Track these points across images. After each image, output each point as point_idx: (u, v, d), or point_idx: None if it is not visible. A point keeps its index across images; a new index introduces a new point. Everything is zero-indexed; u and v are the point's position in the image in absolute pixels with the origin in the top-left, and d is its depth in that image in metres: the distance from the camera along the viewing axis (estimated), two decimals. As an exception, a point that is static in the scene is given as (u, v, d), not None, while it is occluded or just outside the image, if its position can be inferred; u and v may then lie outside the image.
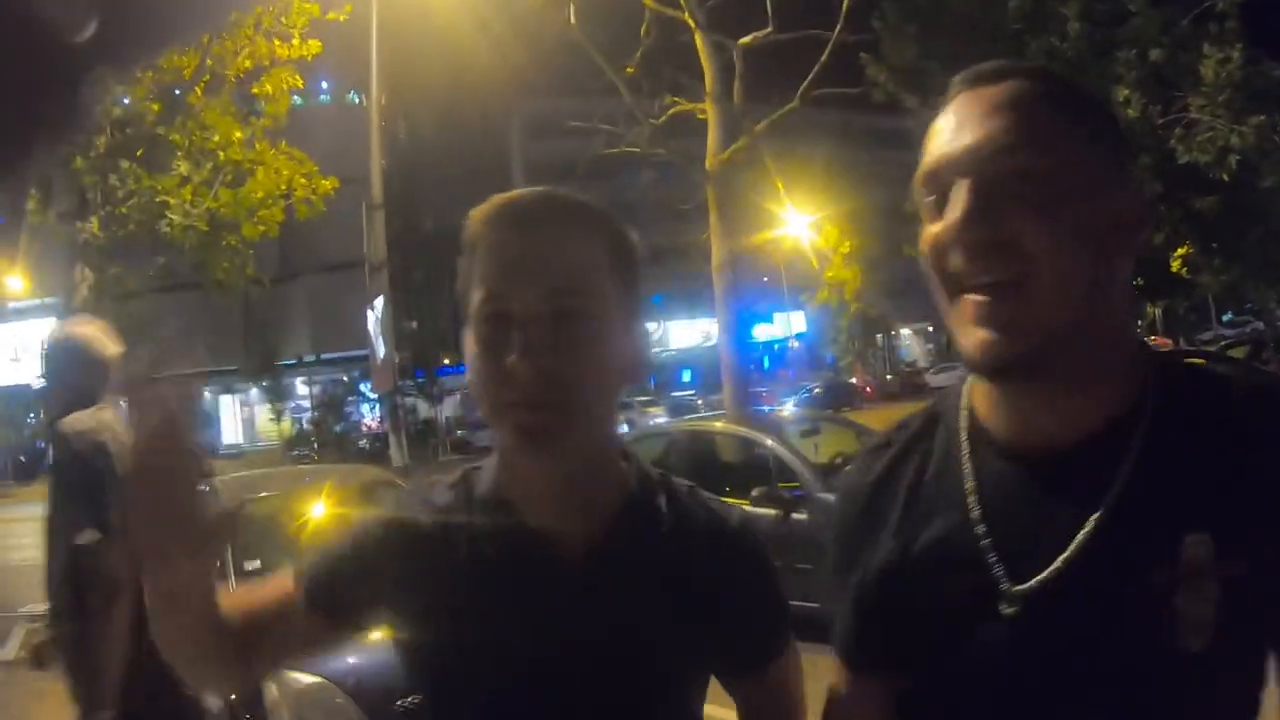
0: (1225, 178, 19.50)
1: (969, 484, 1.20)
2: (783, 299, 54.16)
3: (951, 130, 1.13)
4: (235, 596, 1.39)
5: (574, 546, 1.31)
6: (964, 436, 1.24)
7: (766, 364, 64.47)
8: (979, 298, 1.08)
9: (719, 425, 10.78)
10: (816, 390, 49.05)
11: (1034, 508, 1.14)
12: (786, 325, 64.08)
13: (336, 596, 1.37)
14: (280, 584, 1.40)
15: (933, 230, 1.13)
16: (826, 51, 15.18)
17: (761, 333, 59.79)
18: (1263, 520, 1.04)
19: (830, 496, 8.22)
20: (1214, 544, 1.04)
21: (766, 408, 23.56)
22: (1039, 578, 1.11)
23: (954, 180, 1.10)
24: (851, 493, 1.37)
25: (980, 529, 1.16)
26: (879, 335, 65.77)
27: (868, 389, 52.63)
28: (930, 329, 70.99)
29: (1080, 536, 1.09)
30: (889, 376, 59.73)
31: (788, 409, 27.15)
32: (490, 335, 1.25)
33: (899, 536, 1.25)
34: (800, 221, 24.68)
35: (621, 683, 1.31)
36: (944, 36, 22.03)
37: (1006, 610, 1.12)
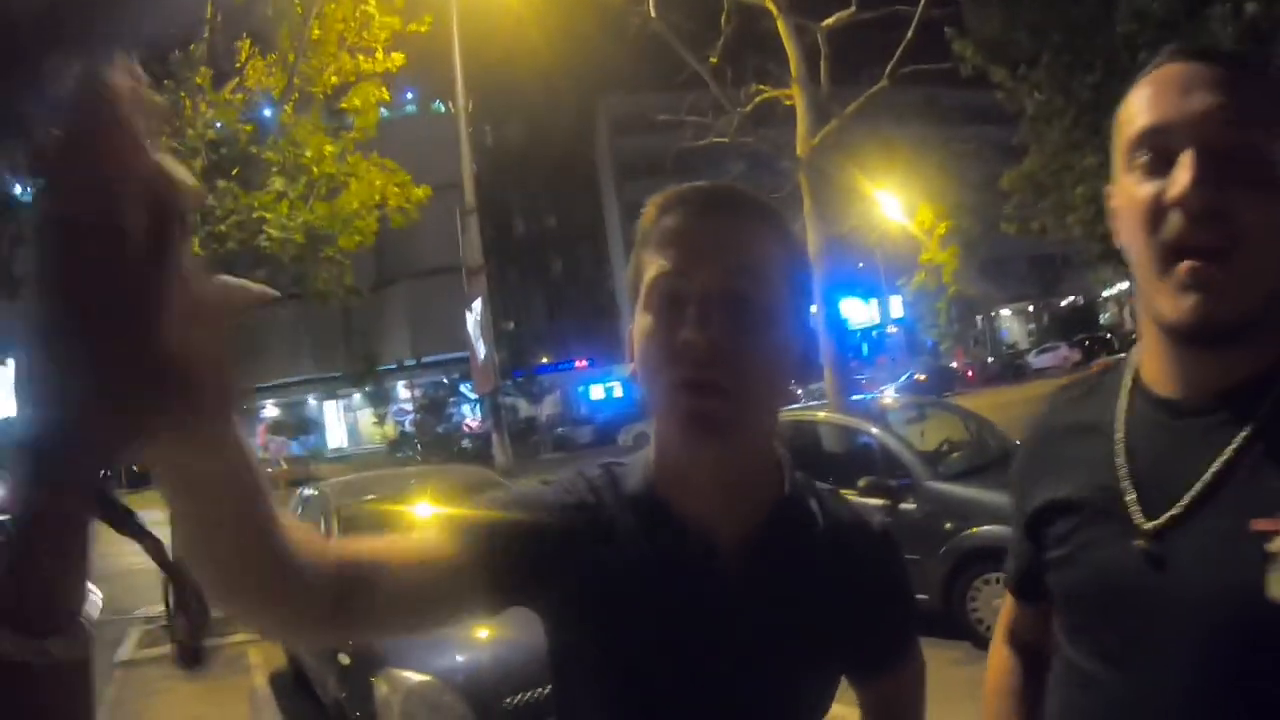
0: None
1: (1120, 427, 1.30)
2: (880, 284, 53.62)
3: (1175, 96, 1.18)
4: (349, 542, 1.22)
5: (729, 544, 1.28)
6: (1126, 383, 1.34)
7: (866, 351, 63.86)
8: (1193, 263, 1.13)
9: (821, 415, 10.63)
10: (918, 376, 48.44)
11: (1170, 449, 1.23)
12: (885, 310, 63.41)
13: (502, 564, 1.25)
14: (428, 538, 1.26)
15: (1147, 191, 1.18)
16: (912, 28, 14.95)
17: (860, 319, 59.21)
18: None
19: (939, 485, 8.13)
20: None
21: (867, 395, 23.32)
22: (1167, 515, 1.19)
23: (1178, 145, 1.16)
24: (1027, 435, 1.54)
25: (1121, 465, 1.26)
26: (978, 317, 64.62)
27: (969, 372, 51.74)
28: (1030, 309, 69.59)
29: (1203, 480, 1.17)
30: (990, 359, 58.63)
31: (890, 396, 26.85)
32: (664, 311, 1.20)
33: (1058, 476, 1.37)
34: (894, 204, 24.39)
35: (770, 680, 1.30)
36: (1030, 5, 21.56)
37: (1137, 543, 1.21)
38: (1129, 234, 1.21)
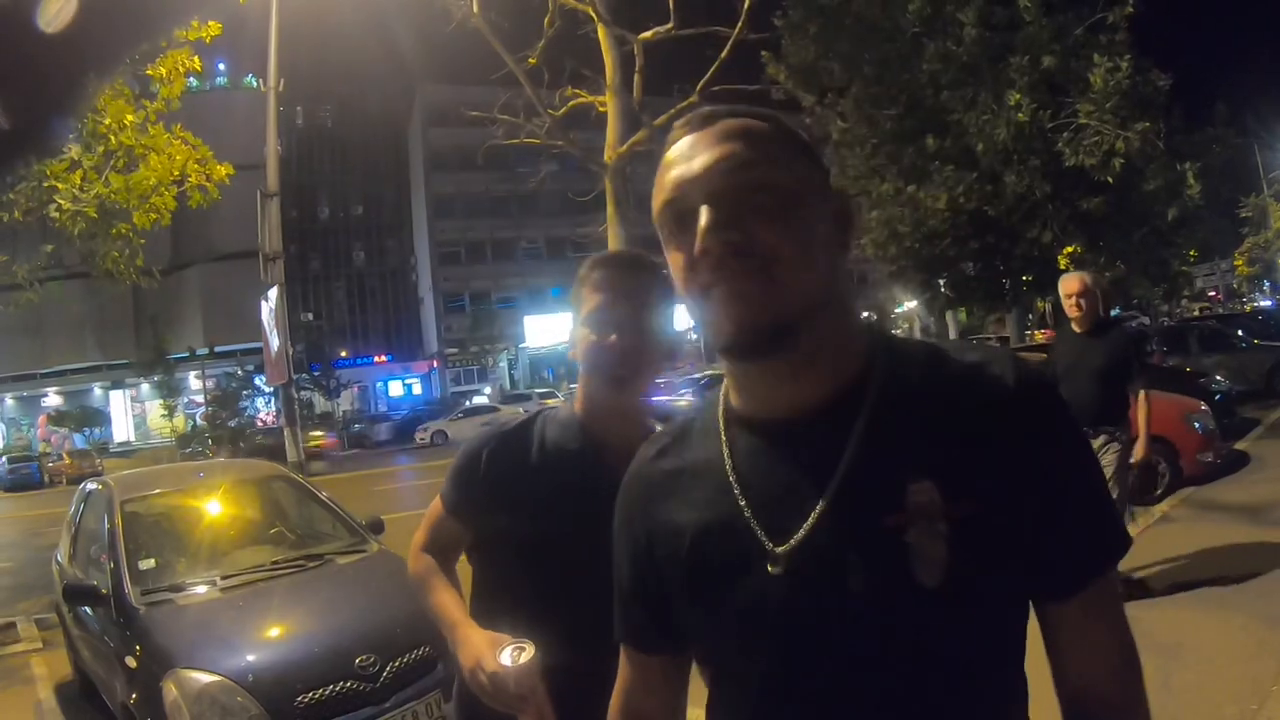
0: (1110, 180, 20.15)
1: (726, 459, 1.34)
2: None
3: (683, 162, 1.27)
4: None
5: (616, 449, 2.10)
6: (720, 418, 1.39)
7: (667, 356, 64.74)
8: (727, 285, 1.20)
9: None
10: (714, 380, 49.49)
11: (782, 472, 1.28)
12: (686, 317, 64.43)
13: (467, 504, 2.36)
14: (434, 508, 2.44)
15: (680, 255, 1.27)
16: (727, 48, 15.31)
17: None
18: (981, 469, 1.19)
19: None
20: (938, 490, 1.18)
21: (663, 397, 23.66)
22: (797, 535, 1.24)
23: (695, 201, 1.24)
24: (625, 485, 1.55)
25: (740, 498, 1.30)
26: (776, 327, 66.35)
27: (765, 378, 53.15)
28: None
29: (825, 495, 1.23)
30: (786, 368, 60.40)
31: (684, 399, 27.28)
32: (596, 328, 2.17)
33: (674, 521, 1.40)
34: (700, 215, 24.88)
35: None
36: (843, 37, 22.39)
37: (773, 569, 1.25)
38: (682, 290, 1.29)
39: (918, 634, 1.19)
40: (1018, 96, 20.34)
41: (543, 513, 2.20)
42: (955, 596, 1.17)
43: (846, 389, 1.26)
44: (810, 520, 1.23)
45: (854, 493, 1.22)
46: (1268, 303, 57.20)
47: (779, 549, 1.25)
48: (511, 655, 1.94)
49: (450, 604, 2.32)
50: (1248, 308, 53.36)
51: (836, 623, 1.21)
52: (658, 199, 1.30)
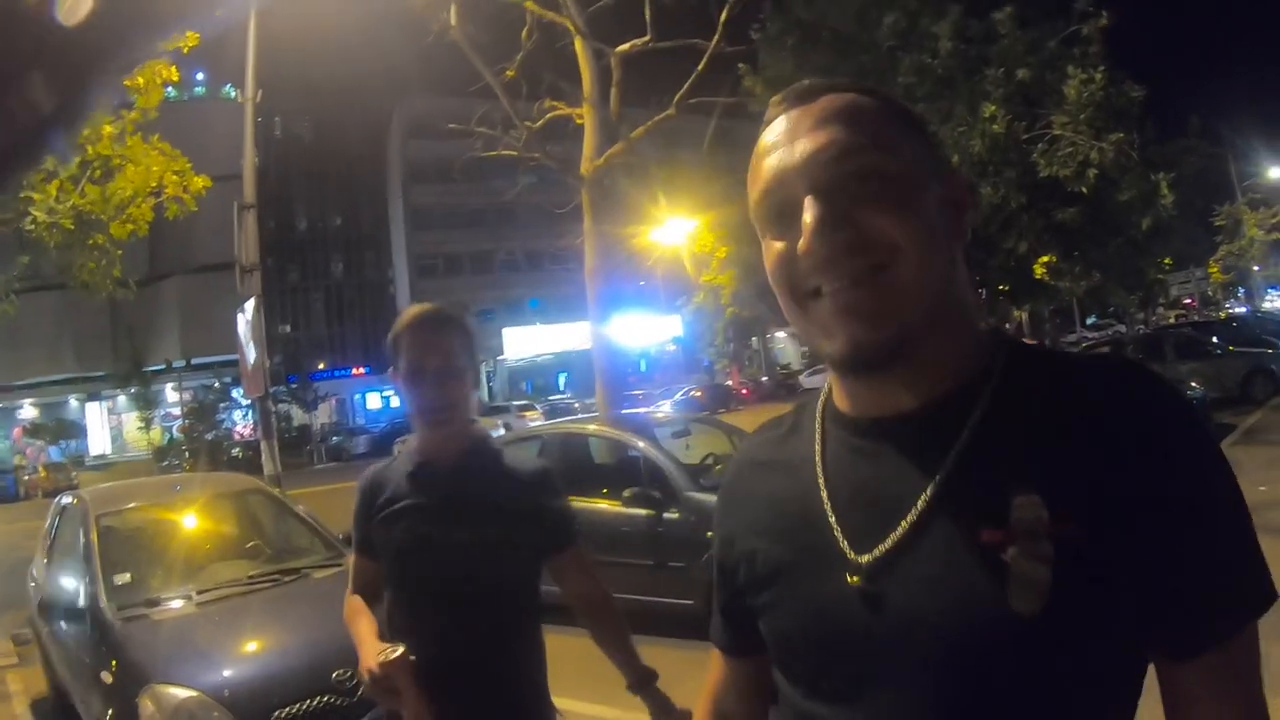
0: (1085, 191, 20.31)
1: (818, 457, 1.25)
2: (660, 303, 54.53)
3: (782, 147, 1.17)
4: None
5: (444, 465, 2.73)
6: (819, 415, 1.30)
7: (644, 367, 64.88)
8: (840, 290, 1.10)
9: (591, 428, 10.71)
10: (693, 393, 49.51)
11: (875, 476, 1.17)
12: (664, 329, 64.48)
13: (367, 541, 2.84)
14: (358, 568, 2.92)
15: (779, 247, 1.17)
16: (704, 61, 15.35)
17: (638, 336, 60.01)
18: (1098, 488, 1.04)
19: (700, 495, 8.28)
20: (1047, 506, 1.03)
21: (641, 410, 23.69)
22: (884, 545, 1.12)
23: (797, 192, 1.13)
24: (725, 480, 1.45)
25: (825, 500, 1.20)
26: (754, 338, 66.65)
27: (744, 391, 53.37)
28: (805, 333, 71.85)
29: (919, 503, 1.11)
30: (764, 379, 60.66)
31: (662, 411, 27.35)
32: (413, 377, 2.66)
33: (758, 519, 1.31)
34: (677, 226, 24.86)
35: (479, 540, 2.62)
36: (821, 50, 22.53)
37: (853, 580, 1.14)
38: (777, 288, 1.19)
39: (1005, 671, 1.05)
40: (993, 108, 20.50)
41: (399, 531, 2.69)
42: (1054, 631, 1.02)
43: (957, 392, 1.14)
44: (900, 530, 1.11)
45: (951, 503, 1.10)
46: (1242, 309, 57.65)
47: (861, 558, 1.13)
48: (385, 655, 2.41)
49: (362, 628, 2.71)
50: (1223, 315, 53.86)
51: (915, 648, 1.08)
52: (754, 188, 1.20)
